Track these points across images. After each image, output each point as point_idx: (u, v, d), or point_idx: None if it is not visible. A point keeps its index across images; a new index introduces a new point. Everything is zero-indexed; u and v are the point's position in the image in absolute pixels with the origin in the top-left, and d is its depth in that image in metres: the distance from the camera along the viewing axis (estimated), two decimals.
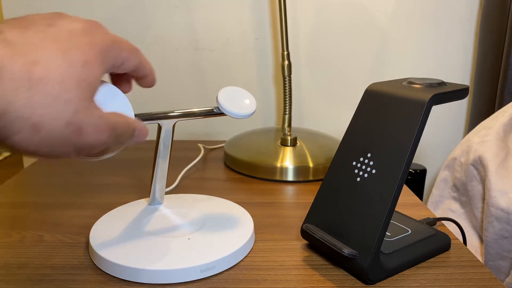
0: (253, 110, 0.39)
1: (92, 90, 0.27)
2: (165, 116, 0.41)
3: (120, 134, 0.30)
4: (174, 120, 0.41)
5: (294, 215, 0.51)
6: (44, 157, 0.27)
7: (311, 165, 0.62)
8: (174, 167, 0.63)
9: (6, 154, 2.76)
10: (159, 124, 0.42)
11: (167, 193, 0.55)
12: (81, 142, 0.27)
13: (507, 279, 0.55)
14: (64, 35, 0.26)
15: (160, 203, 0.49)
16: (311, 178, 0.62)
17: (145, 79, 0.34)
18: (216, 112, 0.40)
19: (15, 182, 0.61)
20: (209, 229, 0.44)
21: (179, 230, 0.44)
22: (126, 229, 0.44)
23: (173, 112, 0.41)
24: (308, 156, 0.63)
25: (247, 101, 0.40)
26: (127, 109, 0.32)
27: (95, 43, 0.28)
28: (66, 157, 0.28)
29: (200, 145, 0.75)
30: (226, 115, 0.39)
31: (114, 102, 0.32)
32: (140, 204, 0.50)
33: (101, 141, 0.28)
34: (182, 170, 0.63)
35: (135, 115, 0.39)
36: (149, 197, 0.49)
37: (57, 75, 0.25)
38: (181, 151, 0.72)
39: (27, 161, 0.87)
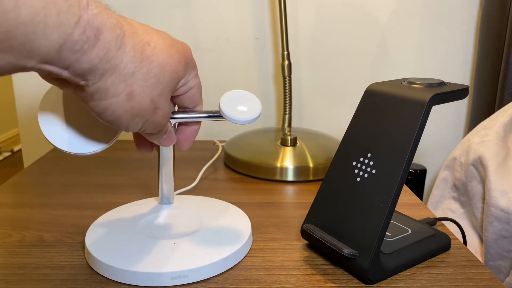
0: (257, 116, 0.38)
1: (176, 84, 0.33)
2: None
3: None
4: (173, 121, 0.41)
5: (294, 215, 0.51)
6: (121, 125, 0.31)
7: (311, 165, 0.62)
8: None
9: (6, 154, 2.75)
10: None
11: (186, 192, 0.56)
12: (152, 119, 0.32)
13: (507, 279, 0.55)
14: (167, 36, 0.33)
15: (170, 203, 0.49)
16: (311, 178, 0.62)
17: (189, 126, 0.40)
18: (216, 116, 0.39)
19: (15, 182, 0.61)
20: (199, 236, 0.42)
21: (170, 233, 0.43)
22: (121, 229, 0.44)
23: (174, 114, 0.40)
24: (308, 156, 0.63)
25: (250, 106, 0.39)
26: None
27: (187, 51, 0.34)
28: (132, 130, 0.32)
29: (218, 142, 0.75)
30: (227, 120, 0.38)
31: None
32: (145, 204, 0.49)
33: (162, 125, 0.34)
34: (199, 169, 0.63)
35: None
36: (151, 196, 0.49)
37: (160, 60, 0.31)
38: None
39: (27, 161, 0.87)
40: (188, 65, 0.34)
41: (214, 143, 0.78)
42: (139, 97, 0.30)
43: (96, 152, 0.36)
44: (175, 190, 0.50)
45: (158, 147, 0.42)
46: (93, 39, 0.26)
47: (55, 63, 0.26)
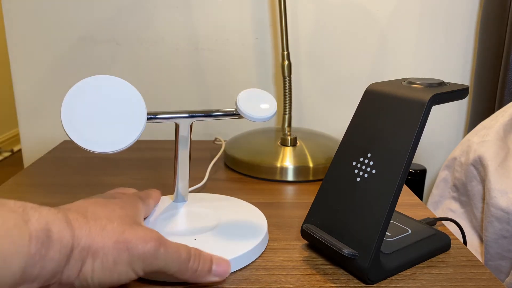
0: (273, 113, 0.40)
1: (133, 220, 0.34)
2: (182, 116, 0.41)
3: (177, 257, 0.33)
4: (191, 120, 0.42)
5: (294, 215, 0.51)
6: (111, 285, 0.31)
7: (311, 165, 0.62)
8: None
9: (6, 154, 2.75)
10: (176, 123, 0.42)
11: (194, 191, 0.56)
12: (131, 255, 0.31)
13: (507, 279, 0.55)
14: (100, 201, 0.36)
15: (184, 201, 0.49)
16: (311, 178, 0.62)
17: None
18: (234, 114, 0.40)
19: (15, 182, 0.61)
20: (218, 231, 0.43)
21: (190, 230, 0.43)
22: None
23: (191, 112, 0.41)
24: (308, 156, 0.63)
25: (265, 104, 0.40)
26: None
27: (126, 198, 0.38)
28: (130, 278, 0.32)
29: (220, 138, 0.75)
30: (243, 117, 0.39)
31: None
32: (162, 202, 0.49)
33: (148, 250, 0.31)
34: (202, 168, 0.63)
35: (153, 113, 0.39)
36: (169, 194, 0.49)
37: (104, 215, 0.32)
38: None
39: (27, 161, 0.87)
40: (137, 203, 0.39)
41: (215, 140, 0.78)
42: (101, 249, 0.30)
43: (116, 151, 0.36)
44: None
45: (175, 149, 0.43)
46: (46, 240, 0.27)
47: (21, 283, 0.26)
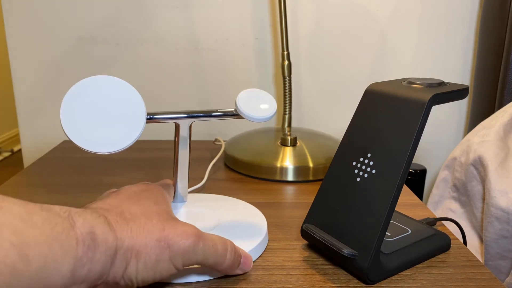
0: (273, 113, 0.40)
1: (168, 214, 0.35)
2: (181, 116, 0.41)
3: (215, 250, 0.34)
4: (191, 120, 0.42)
5: (294, 215, 0.51)
6: (154, 281, 0.32)
7: (311, 165, 0.62)
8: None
9: (6, 154, 2.75)
10: (176, 124, 0.42)
11: (194, 191, 0.56)
12: (172, 251, 0.32)
13: (507, 279, 0.55)
14: (132, 196, 0.36)
15: (184, 201, 0.49)
16: (311, 178, 0.62)
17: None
18: (233, 114, 0.40)
19: (15, 182, 0.61)
20: (217, 233, 0.42)
21: None
22: None
23: (191, 112, 0.41)
24: (308, 156, 0.63)
25: (265, 104, 0.40)
26: None
27: (155, 191, 0.38)
28: (171, 273, 0.32)
29: (220, 139, 0.75)
30: (243, 117, 0.40)
31: None
32: None
33: (188, 245, 0.32)
34: (202, 168, 0.63)
35: (152, 113, 0.39)
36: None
37: (140, 214, 0.33)
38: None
39: (27, 161, 0.87)
40: (164, 194, 0.39)
41: (215, 140, 0.78)
42: (144, 249, 0.31)
43: (115, 151, 0.36)
44: None
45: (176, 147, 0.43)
46: (92, 243, 0.28)
47: (71, 285, 0.27)
